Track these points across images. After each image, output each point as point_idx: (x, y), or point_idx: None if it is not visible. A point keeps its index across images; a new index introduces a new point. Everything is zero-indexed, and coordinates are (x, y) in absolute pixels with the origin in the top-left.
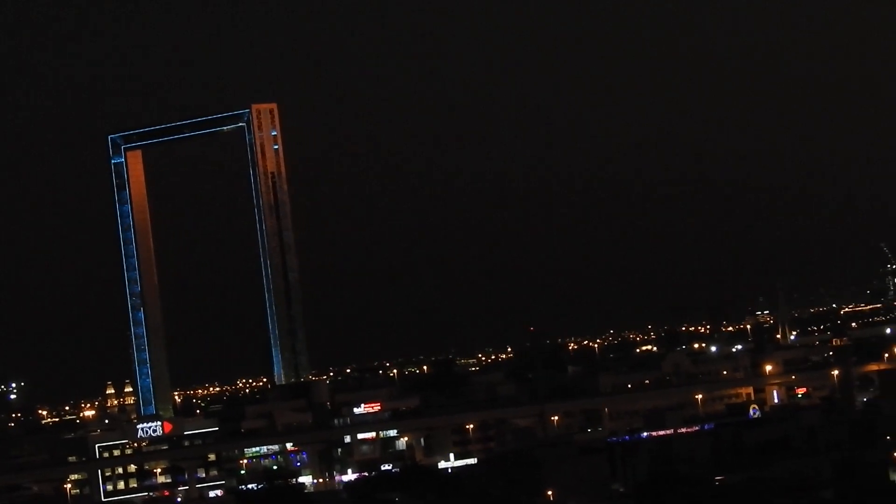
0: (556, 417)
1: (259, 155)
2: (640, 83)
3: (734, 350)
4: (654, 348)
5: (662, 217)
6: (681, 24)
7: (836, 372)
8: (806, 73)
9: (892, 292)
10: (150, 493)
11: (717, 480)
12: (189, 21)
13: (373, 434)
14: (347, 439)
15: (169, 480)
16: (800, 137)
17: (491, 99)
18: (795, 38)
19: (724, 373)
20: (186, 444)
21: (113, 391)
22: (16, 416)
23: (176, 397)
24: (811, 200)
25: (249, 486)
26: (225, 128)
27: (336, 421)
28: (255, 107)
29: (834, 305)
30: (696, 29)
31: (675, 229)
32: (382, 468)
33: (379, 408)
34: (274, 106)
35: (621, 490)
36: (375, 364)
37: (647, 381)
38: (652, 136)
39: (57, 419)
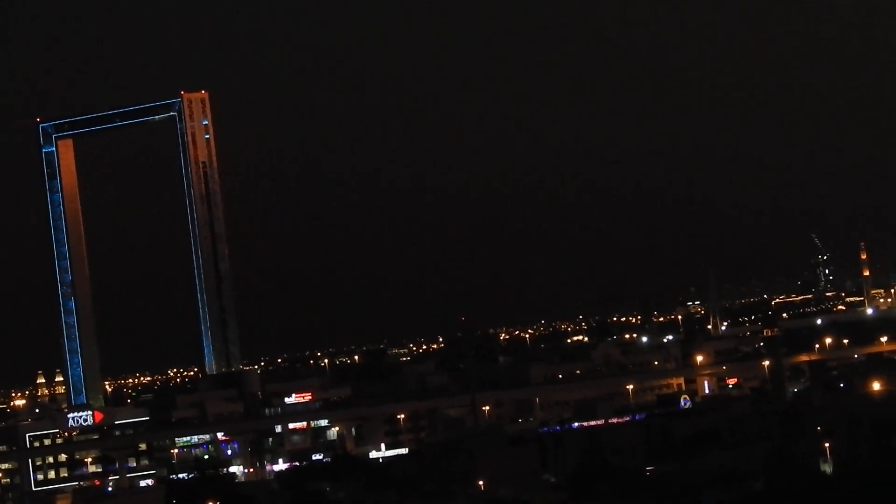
0: (487, 408)
1: (190, 144)
2: (570, 83)
3: (665, 341)
4: (585, 339)
5: (594, 208)
6: (598, 28)
7: (766, 363)
8: (730, 69)
9: (822, 283)
10: (81, 483)
11: (648, 471)
12: (121, 9)
13: (304, 424)
14: (278, 429)
15: (99, 470)
16: (731, 131)
17: (422, 94)
18: (714, 38)
19: (655, 363)
20: (117, 433)
21: (43, 380)
22: None
23: (107, 387)
24: (742, 192)
25: (180, 475)
26: (156, 117)
27: (267, 411)
28: (186, 96)
29: (765, 296)
30: (618, 32)
31: (607, 220)
32: (313, 458)
33: (310, 398)
34: (205, 95)
35: (552, 480)
36: (307, 354)
37: (578, 372)
38: (584, 131)
39: None
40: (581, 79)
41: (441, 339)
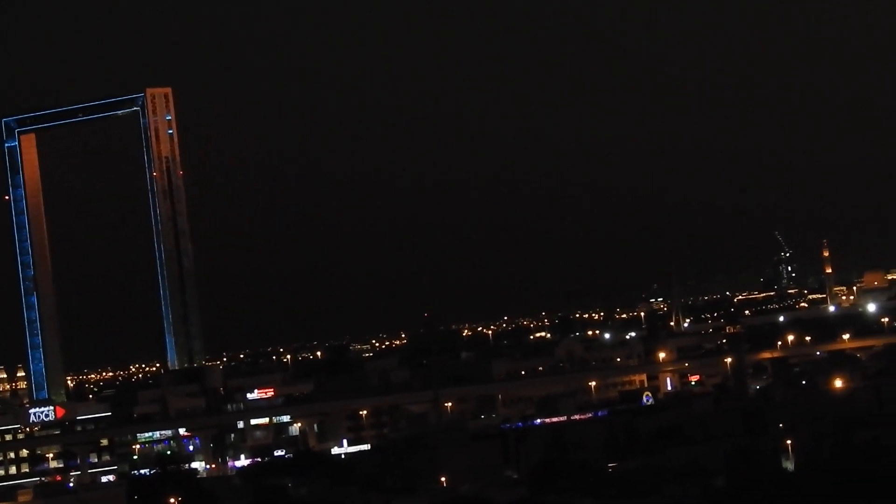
0: (450, 404)
1: (153, 139)
2: (535, 80)
3: (628, 337)
4: (548, 335)
5: (557, 205)
6: (553, 24)
7: (729, 359)
8: (691, 67)
9: (785, 280)
10: (42, 478)
11: (610, 467)
12: (85, 3)
13: (266, 420)
14: (240, 425)
15: (61, 465)
16: (694, 127)
17: (385, 89)
18: (682, 37)
19: (618, 360)
20: (79, 428)
21: (5, 375)
22: None
23: (69, 382)
24: (705, 188)
25: (142, 471)
26: (119, 112)
27: (229, 406)
28: (149, 91)
29: (727, 293)
30: (576, 27)
31: (569, 216)
32: (275, 454)
33: (272, 393)
34: (168, 90)
35: (514, 476)
36: (269, 349)
37: (540, 368)
38: (546, 129)
39: None
40: (558, 77)
41: (404, 335)
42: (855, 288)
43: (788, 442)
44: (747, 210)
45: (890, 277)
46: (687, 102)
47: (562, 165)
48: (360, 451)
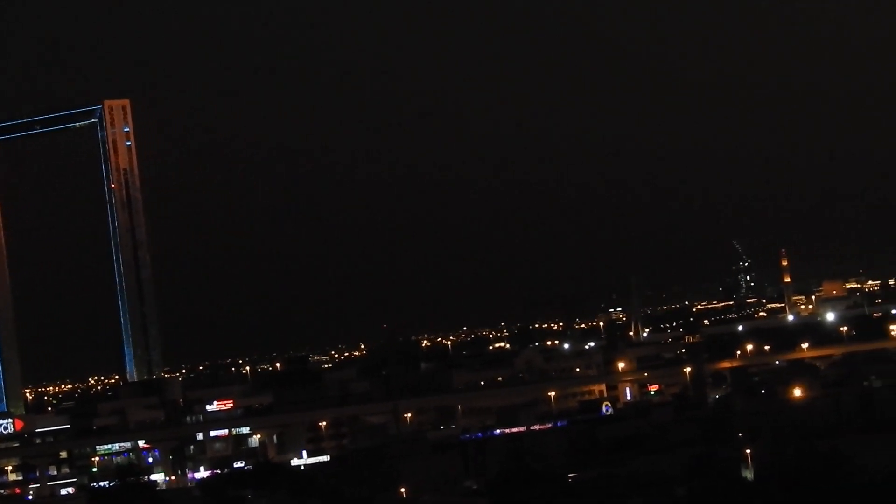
0: (410, 414)
1: (111, 151)
2: (498, 82)
3: (587, 347)
4: (508, 345)
5: (516, 215)
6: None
7: (688, 369)
8: (658, 69)
9: (743, 290)
10: (1, 491)
11: (570, 477)
12: (42, 15)
13: (225, 431)
14: (200, 436)
15: (20, 478)
16: (657, 135)
17: (346, 96)
18: (645, 36)
19: (577, 370)
20: (38, 441)
21: None
22: None
23: (27, 394)
24: (663, 198)
25: (101, 483)
26: (77, 124)
27: (188, 418)
28: (107, 103)
29: (686, 303)
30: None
31: (529, 227)
32: (235, 465)
33: (231, 405)
34: (126, 102)
35: (474, 487)
36: (228, 361)
37: (500, 378)
38: (504, 139)
39: None
40: (525, 89)
41: (363, 346)
42: (813, 297)
43: (748, 451)
44: (706, 219)
45: (848, 286)
46: (644, 113)
47: (520, 177)
48: (319, 463)
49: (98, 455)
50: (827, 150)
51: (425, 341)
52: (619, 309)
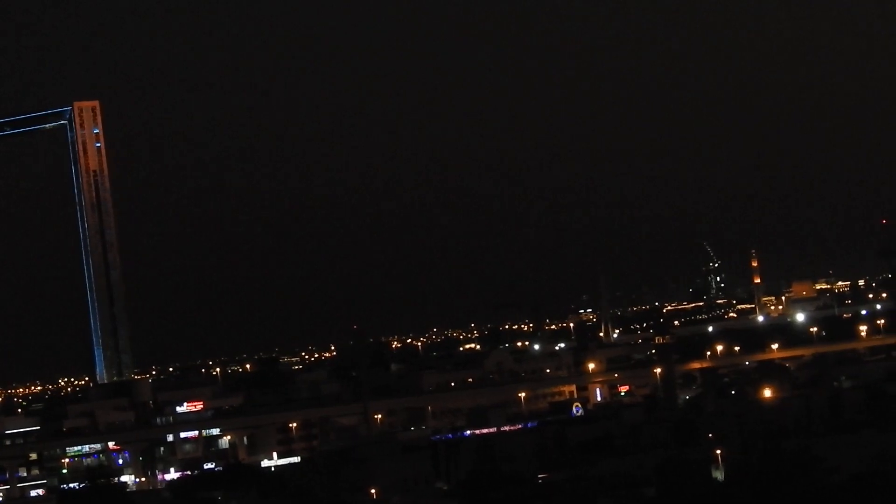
0: (380, 416)
1: (81, 153)
2: (461, 81)
3: (557, 348)
4: (478, 346)
5: (486, 216)
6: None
7: (658, 370)
8: (626, 71)
9: (713, 291)
10: None
11: (541, 478)
12: (11, 17)
13: (195, 433)
14: (170, 438)
15: None
16: (622, 136)
17: (315, 100)
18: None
19: (548, 371)
20: (8, 443)
21: None
22: None
23: None
24: (633, 199)
25: (71, 485)
26: (47, 125)
27: (158, 420)
28: (77, 104)
29: (656, 303)
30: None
31: (496, 227)
32: (205, 467)
33: (202, 406)
34: (96, 104)
35: (444, 488)
36: (198, 362)
37: (470, 380)
38: (472, 141)
39: None
40: (483, 89)
41: (333, 348)
42: (783, 298)
43: (718, 452)
44: (676, 220)
45: (818, 287)
46: (613, 113)
47: (489, 177)
48: (290, 464)
49: (68, 457)
50: (796, 152)
51: (395, 342)
52: (590, 310)
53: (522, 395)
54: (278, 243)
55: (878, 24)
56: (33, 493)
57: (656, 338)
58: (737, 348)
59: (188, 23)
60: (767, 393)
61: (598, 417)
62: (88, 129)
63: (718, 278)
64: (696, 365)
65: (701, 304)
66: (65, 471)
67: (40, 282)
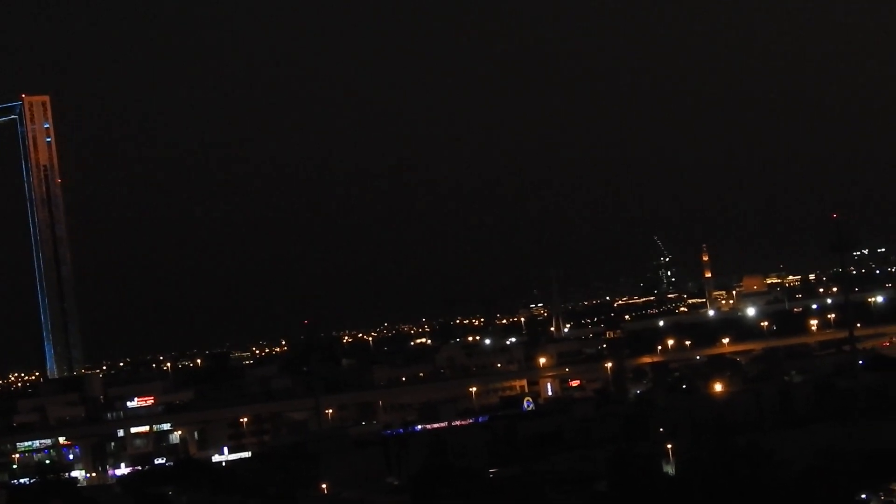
0: (331, 410)
1: (31, 147)
2: (413, 80)
3: (508, 343)
4: (429, 341)
5: (437, 211)
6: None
7: (609, 364)
8: (578, 70)
9: (664, 285)
10: None
11: (492, 473)
12: None
13: (146, 428)
14: (121, 433)
15: None
16: (570, 130)
17: (269, 90)
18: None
19: (499, 365)
20: None
21: None
22: None
23: None
24: (584, 194)
25: (22, 480)
26: None
27: (109, 415)
28: (27, 99)
29: (607, 298)
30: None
31: (449, 223)
32: (156, 462)
33: (152, 401)
34: (46, 98)
35: (396, 483)
36: (149, 358)
37: (421, 374)
38: (422, 131)
39: None
40: (441, 81)
41: (284, 343)
42: (734, 292)
43: (669, 446)
44: (627, 215)
45: (769, 281)
46: (566, 107)
47: (440, 170)
48: (241, 459)
49: (18, 452)
50: (747, 147)
51: (346, 337)
52: (540, 304)
53: (473, 389)
54: (229, 238)
55: (815, 21)
56: None
57: (607, 332)
58: (687, 343)
59: (140, 16)
60: (718, 387)
61: (549, 412)
62: (39, 123)
63: (669, 272)
64: (647, 359)
65: (652, 298)
66: (15, 466)
67: None
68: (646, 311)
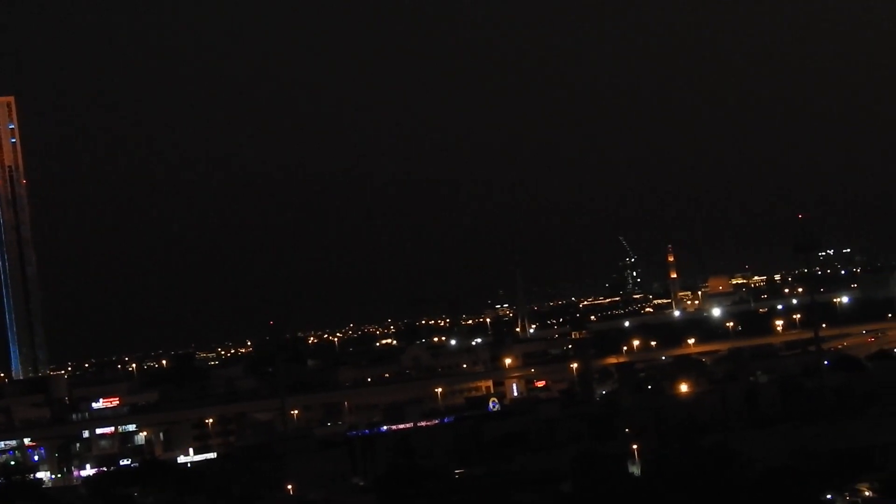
0: (296, 411)
1: None
2: (371, 80)
3: (474, 343)
4: (394, 342)
5: (401, 212)
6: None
7: (575, 365)
8: (541, 71)
9: (630, 285)
10: None
11: (457, 473)
12: None
13: (111, 429)
14: (86, 434)
15: None
16: (541, 135)
17: (238, 92)
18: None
19: (464, 366)
20: None
21: None
22: None
23: None
24: (550, 195)
25: None
26: None
27: (74, 416)
28: None
29: (573, 298)
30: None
31: (416, 223)
32: (121, 463)
33: (118, 402)
34: (11, 99)
35: (361, 484)
36: (114, 358)
37: (386, 375)
38: (391, 132)
39: None
40: (404, 78)
41: (249, 343)
42: (700, 292)
43: (635, 447)
44: (592, 215)
45: (734, 282)
46: (531, 106)
47: (407, 170)
48: (206, 460)
49: None
50: (712, 147)
51: (312, 338)
52: (506, 305)
53: (439, 390)
54: (195, 239)
55: (783, 18)
56: None
57: (573, 333)
58: (653, 343)
59: (105, 16)
60: (684, 387)
61: (515, 412)
62: (3, 124)
63: (635, 273)
64: (613, 360)
65: (617, 298)
66: None
67: None
68: (611, 312)
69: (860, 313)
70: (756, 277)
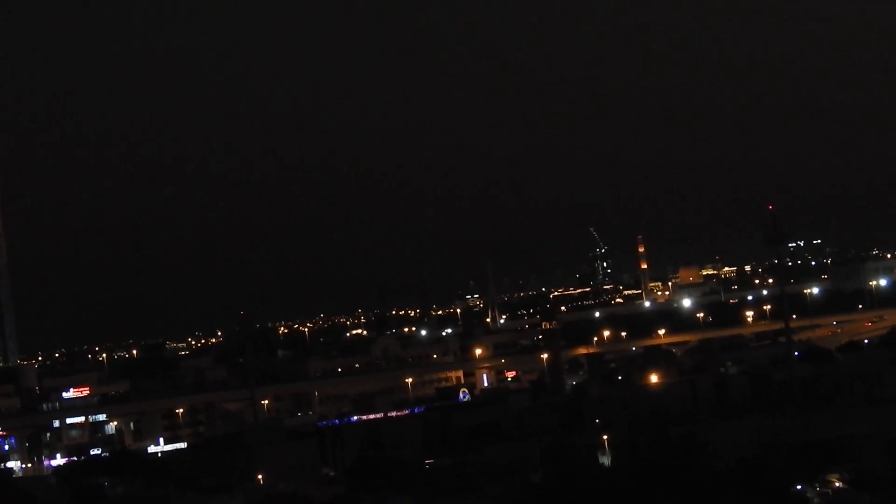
0: (266, 402)
1: None
2: (344, 69)
3: (444, 334)
4: (365, 332)
5: (373, 203)
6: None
7: (545, 355)
8: (514, 68)
9: (600, 276)
10: None
11: (427, 464)
12: None
13: (82, 419)
14: (56, 424)
15: None
16: (512, 127)
17: (200, 84)
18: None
19: (434, 356)
20: None
21: None
22: None
23: None
24: (520, 186)
25: None
26: None
27: (44, 406)
28: None
29: (543, 289)
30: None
31: (386, 215)
32: (91, 453)
33: (88, 392)
34: None
35: (331, 474)
36: (85, 348)
37: (357, 365)
38: (357, 122)
39: None
40: (377, 67)
41: (219, 334)
42: (670, 283)
43: (605, 437)
44: (562, 206)
45: (704, 273)
46: (501, 101)
47: (376, 162)
48: (176, 450)
49: None
50: (683, 139)
51: (282, 328)
52: (476, 296)
53: (409, 380)
54: (165, 229)
55: (760, 15)
56: None
57: (543, 323)
58: (623, 334)
59: (75, 16)
60: (654, 378)
61: (485, 403)
62: None
63: (605, 264)
64: (583, 350)
65: (588, 289)
66: None
67: None
68: (582, 303)
69: (830, 304)
70: (726, 268)
